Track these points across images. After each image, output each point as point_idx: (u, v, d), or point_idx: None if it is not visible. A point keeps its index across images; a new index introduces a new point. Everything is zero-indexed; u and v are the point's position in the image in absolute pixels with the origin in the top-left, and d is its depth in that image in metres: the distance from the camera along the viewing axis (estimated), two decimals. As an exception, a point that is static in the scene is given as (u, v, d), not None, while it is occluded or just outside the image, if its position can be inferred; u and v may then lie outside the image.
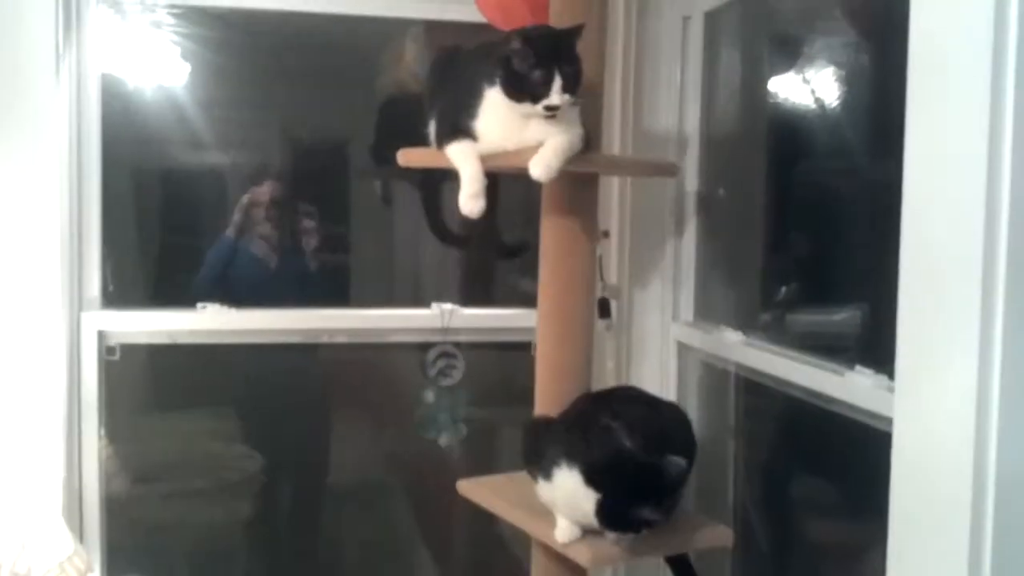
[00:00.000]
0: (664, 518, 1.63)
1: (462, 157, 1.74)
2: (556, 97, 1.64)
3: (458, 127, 1.76)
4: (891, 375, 1.43)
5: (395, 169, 1.96)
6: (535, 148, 1.68)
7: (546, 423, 1.86)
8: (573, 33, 1.70)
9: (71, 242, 2.21)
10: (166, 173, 2.67)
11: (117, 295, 2.36)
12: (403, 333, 2.49)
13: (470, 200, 1.70)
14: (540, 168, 1.67)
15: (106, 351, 2.30)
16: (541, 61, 1.64)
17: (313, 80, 2.64)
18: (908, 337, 1.36)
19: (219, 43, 2.53)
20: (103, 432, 2.31)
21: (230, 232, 2.59)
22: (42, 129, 2.11)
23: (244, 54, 2.58)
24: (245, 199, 2.60)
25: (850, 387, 1.68)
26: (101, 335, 2.28)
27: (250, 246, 2.61)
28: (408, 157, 1.91)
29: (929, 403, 1.31)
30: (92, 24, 2.25)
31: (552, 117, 1.67)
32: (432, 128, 1.87)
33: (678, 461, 1.63)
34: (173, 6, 2.38)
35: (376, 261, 2.82)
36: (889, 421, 1.40)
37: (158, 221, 2.69)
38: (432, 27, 2.51)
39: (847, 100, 1.98)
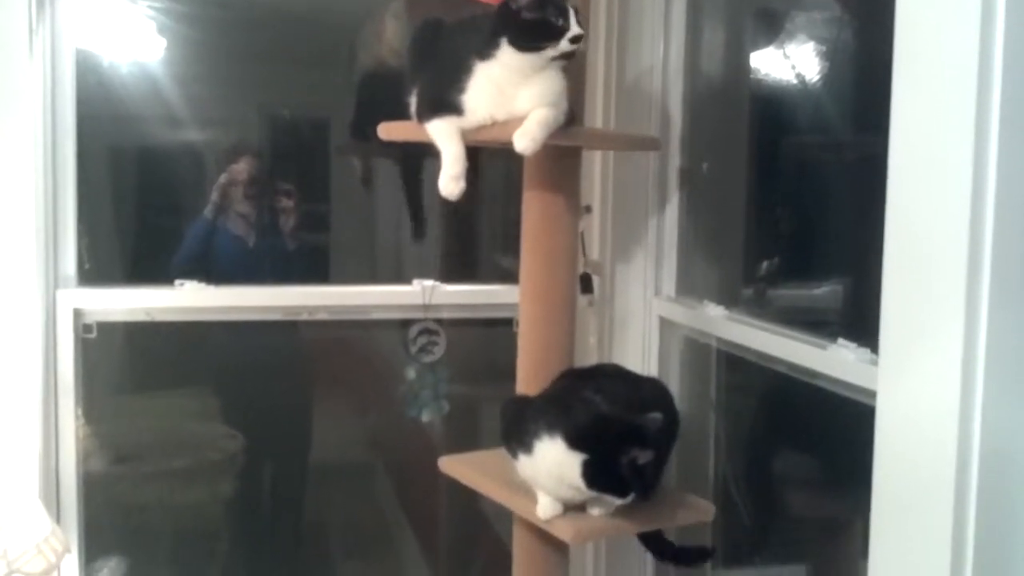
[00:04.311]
0: (652, 472, 1.62)
1: (445, 136, 1.72)
2: (576, 26, 1.64)
3: (442, 101, 1.74)
4: (875, 349, 1.43)
5: (375, 146, 1.94)
6: (522, 120, 1.67)
7: (525, 401, 1.86)
8: None
9: (46, 219, 2.17)
10: (143, 150, 2.64)
11: (93, 272, 2.33)
12: (384, 310, 2.47)
13: (451, 182, 1.70)
14: (525, 140, 1.66)
15: (83, 329, 2.27)
16: (550, 1, 1.65)
17: (291, 56, 2.61)
18: (892, 310, 1.35)
19: (195, 18, 2.50)
20: (80, 412, 2.28)
21: (208, 210, 2.56)
22: (15, 105, 2.07)
23: (221, 30, 2.56)
24: (223, 177, 2.57)
25: (833, 361, 1.67)
26: (77, 313, 2.26)
27: (228, 224, 2.59)
28: (389, 131, 1.89)
29: (913, 377, 1.30)
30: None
31: (572, 56, 1.67)
32: (413, 101, 1.85)
33: (655, 416, 1.62)
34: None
35: (357, 238, 2.80)
36: (872, 395, 1.40)
37: (135, 198, 2.66)
38: (412, 2, 2.48)
39: (831, 74, 1.97)
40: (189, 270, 2.41)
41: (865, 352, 1.58)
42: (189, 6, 2.46)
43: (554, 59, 1.67)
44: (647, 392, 1.86)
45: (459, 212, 2.50)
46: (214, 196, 2.56)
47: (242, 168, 2.58)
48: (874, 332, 1.39)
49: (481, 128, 1.73)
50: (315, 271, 2.71)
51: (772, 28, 2.17)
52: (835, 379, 1.66)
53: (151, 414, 2.67)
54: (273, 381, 2.70)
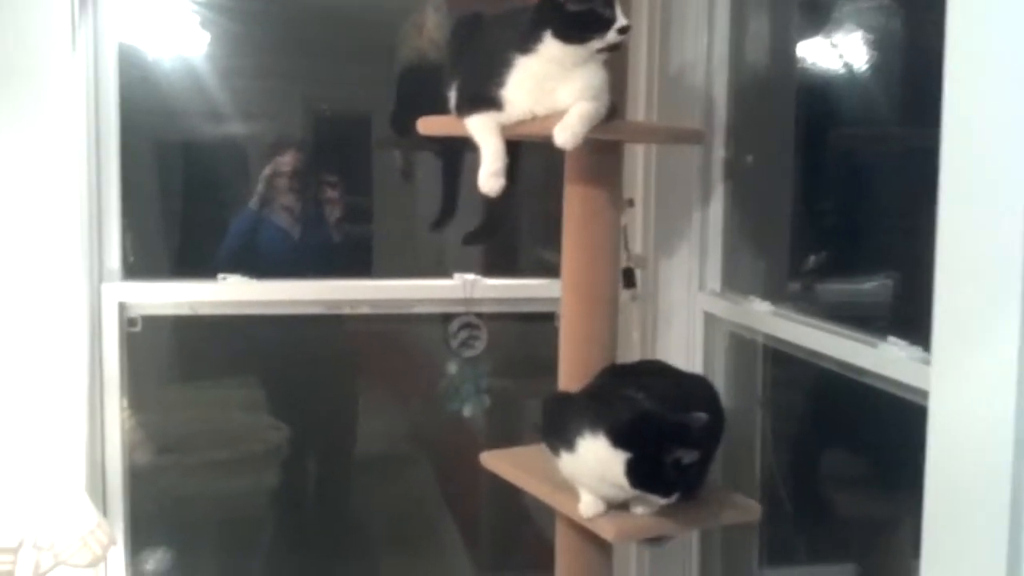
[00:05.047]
0: (696, 471, 1.60)
1: (484, 131, 1.71)
2: (622, 17, 1.62)
3: (482, 96, 1.73)
4: (927, 347, 1.39)
5: (415, 140, 1.93)
6: (563, 114, 1.66)
7: (567, 397, 1.84)
8: None
9: (90, 213, 2.19)
10: (187, 143, 2.65)
11: (138, 266, 2.35)
12: (425, 304, 2.46)
13: (491, 178, 1.68)
14: (566, 134, 1.64)
15: (127, 323, 2.29)
16: None
17: (335, 50, 2.61)
18: (945, 307, 1.31)
19: (238, 12, 2.50)
20: (126, 403, 2.30)
21: (253, 203, 2.58)
22: (59, 99, 2.09)
23: (264, 23, 2.56)
24: (268, 170, 2.58)
25: (883, 359, 1.63)
26: (122, 307, 2.27)
27: (273, 217, 2.60)
28: (428, 125, 1.88)
29: (967, 376, 1.26)
30: None
31: (618, 48, 1.66)
32: (452, 95, 1.84)
33: (700, 415, 1.60)
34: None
35: (398, 231, 2.79)
36: (925, 394, 1.36)
37: (179, 192, 2.67)
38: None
39: (879, 64, 1.94)
40: (234, 262, 2.42)
41: (917, 350, 1.54)
42: (233, 1, 2.46)
43: (600, 51, 1.65)
44: (692, 389, 1.83)
45: (502, 205, 2.47)
46: (259, 188, 2.58)
47: (287, 160, 2.58)
48: (926, 330, 1.35)
49: (521, 123, 1.72)
50: (359, 264, 2.71)
51: (819, 17, 2.13)
52: (885, 377, 1.62)
53: (195, 406, 2.70)
54: (316, 374, 2.71)
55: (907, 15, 1.85)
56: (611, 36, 1.63)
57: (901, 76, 1.87)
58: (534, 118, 1.71)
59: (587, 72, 1.67)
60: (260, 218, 2.58)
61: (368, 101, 2.73)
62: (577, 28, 1.63)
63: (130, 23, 2.32)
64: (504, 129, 1.72)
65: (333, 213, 2.63)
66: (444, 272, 2.47)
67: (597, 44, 1.64)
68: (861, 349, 1.70)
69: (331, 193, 2.63)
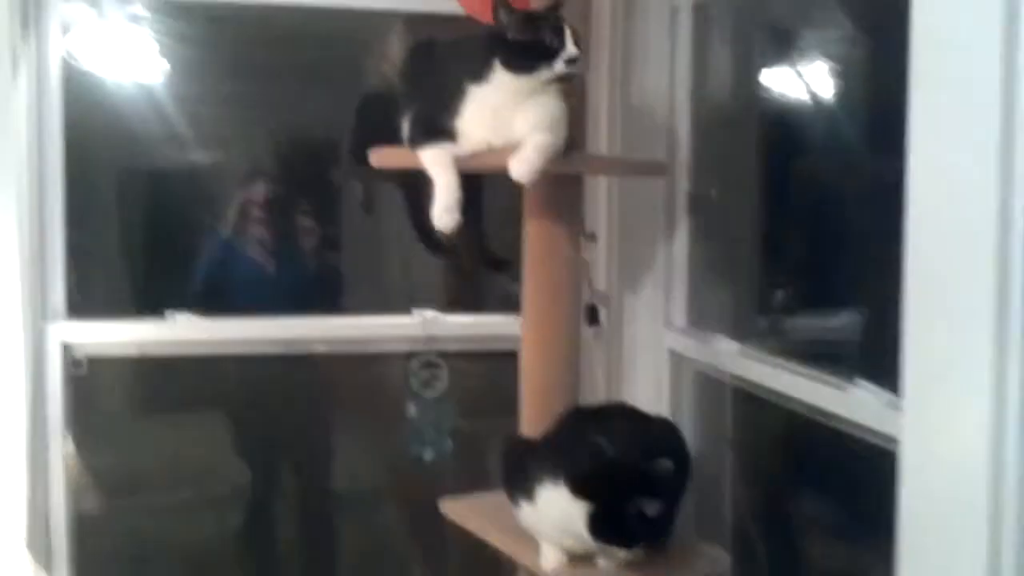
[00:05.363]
0: (662, 521, 1.53)
1: (437, 164, 1.64)
2: (572, 47, 1.57)
3: (435, 127, 1.67)
4: (896, 390, 1.33)
5: (375, 170, 1.86)
6: (519, 146, 1.61)
7: (526, 444, 1.77)
8: (557, 4, 1.65)
9: (31, 247, 2.11)
10: (141, 173, 2.54)
11: (86, 304, 2.25)
12: (383, 342, 2.39)
13: (444, 213, 1.62)
14: (522, 167, 1.59)
15: (72, 364, 2.20)
16: (547, 19, 1.59)
17: (299, 75, 2.52)
18: (914, 348, 1.26)
19: (194, 38, 2.42)
20: (72, 448, 2.21)
21: (224, 234, 2.48)
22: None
23: (220, 48, 2.47)
24: (239, 200, 2.49)
25: (852, 403, 1.56)
26: (66, 347, 2.19)
27: (246, 249, 2.50)
28: (381, 158, 1.81)
29: (939, 423, 1.21)
30: (54, 17, 2.15)
31: (569, 79, 1.60)
32: (405, 126, 1.77)
33: (665, 462, 1.54)
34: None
35: (363, 265, 2.71)
36: (895, 441, 1.30)
37: (133, 224, 2.57)
38: (417, 21, 2.41)
39: (845, 95, 1.90)
40: (204, 296, 2.36)
41: (886, 394, 1.47)
42: (191, 26, 2.38)
43: (550, 81, 1.59)
44: (657, 434, 1.77)
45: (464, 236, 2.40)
46: (230, 219, 2.48)
47: (259, 191, 2.50)
48: (896, 371, 1.30)
49: (476, 155, 1.66)
50: (332, 297, 2.61)
51: (782, 47, 2.09)
52: (854, 423, 1.56)
53: (149, 447, 2.58)
54: (273, 414, 2.60)
55: (872, 44, 1.81)
56: (559, 67, 1.57)
57: (867, 106, 1.83)
58: (489, 150, 1.65)
59: (543, 103, 1.61)
60: (231, 250, 2.49)
61: (335, 128, 2.65)
62: (524, 58, 1.58)
63: (82, 48, 2.24)
64: (459, 161, 1.66)
65: (308, 243, 2.55)
66: (408, 307, 2.39)
67: (545, 75, 1.58)
68: (829, 393, 1.64)
69: (305, 223, 2.55)
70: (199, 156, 2.50)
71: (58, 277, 2.19)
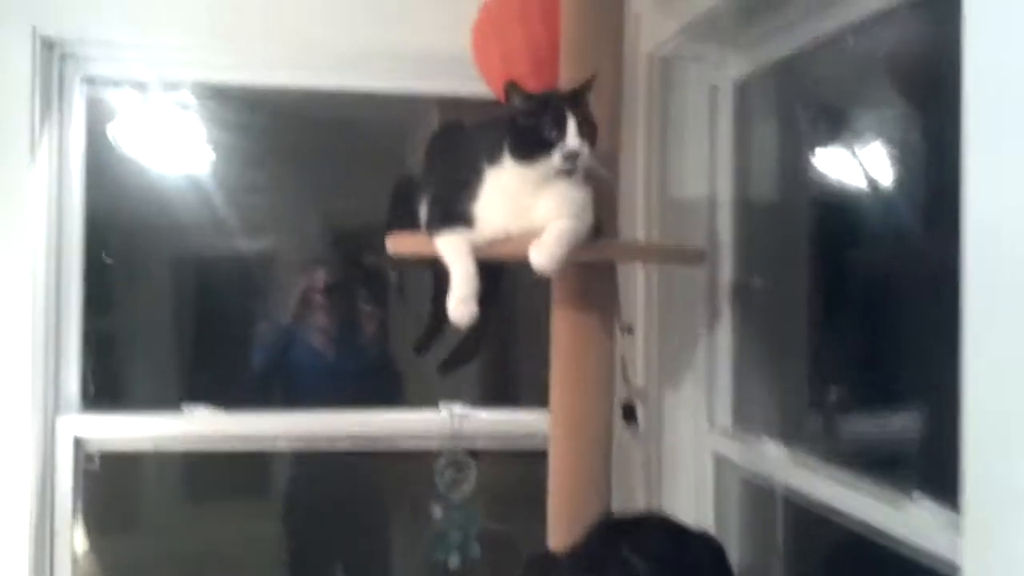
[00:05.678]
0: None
1: (454, 251, 1.53)
2: (573, 140, 1.43)
3: (452, 213, 1.56)
4: (956, 507, 1.17)
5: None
6: (540, 233, 1.48)
7: (550, 559, 1.62)
8: (583, 87, 1.51)
9: (47, 338, 2.05)
10: (169, 262, 2.49)
11: (100, 396, 2.18)
12: (408, 439, 2.26)
13: (460, 305, 1.49)
14: (542, 256, 1.47)
15: (84, 459, 2.11)
16: (550, 105, 1.46)
17: (344, 161, 2.49)
18: (975, 460, 1.09)
19: (239, 124, 2.38)
20: (87, 547, 2.12)
21: (285, 321, 2.44)
22: (15, 214, 1.98)
23: (264, 135, 2.43)
24: (300, 286, 2.45)
25: (908, 521, 1.39)
26: (78, 442, 2.10)
27: (307, 337, 2.46)
28: (397, 244, 1.71)
29: (1005, 549, 1.03)
30: (77, 98, 2.14)
31: (572, 171, 1.46)
32: (423, 211, 1.67)
33: None
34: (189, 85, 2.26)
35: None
36: (956, 568, 1.12)
37: (152, 316, 2.50)
38: (451, 105, 2.34)
39: (901, 177, 1.75)
40: (262, 385, 2.33)
41: (946, 513, 1.31)
42: (235, 113, 2.34)
43: (556, 174, 1.47)
44: (697, 553, 1.58)
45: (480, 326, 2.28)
46: (292, 306, 2.44)
47: (319, 277, 2.45)
48: (955, 486, 1.14)
49: (495, 242, 1.54)
50: (393, 388, 2.51)
51: (831, 126, 1.96)
52: (912, 545, 1.38)
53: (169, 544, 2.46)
54: (297, 514, 2.48)
55: (928, 123, 1.68)
56: (556, 161, 1.45)
57: (926, 190, 1.68)
58: (508, 237, 1.53)
59: (563, 187, 1.50)
60: (291, 338, 2.44)
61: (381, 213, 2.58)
62: (525, 146, 1.47)
63: (126, 134, 2.23)
64: (477, 249, 1.54)
65: (368, 329, 2.48)
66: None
67: (542, 170, 1.47)
68: (885, 510, 1.47)
69: (366, 309, 2.49)
70: (237, 244, 2.45)
71: (73, 368, 2.12)
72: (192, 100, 2.29)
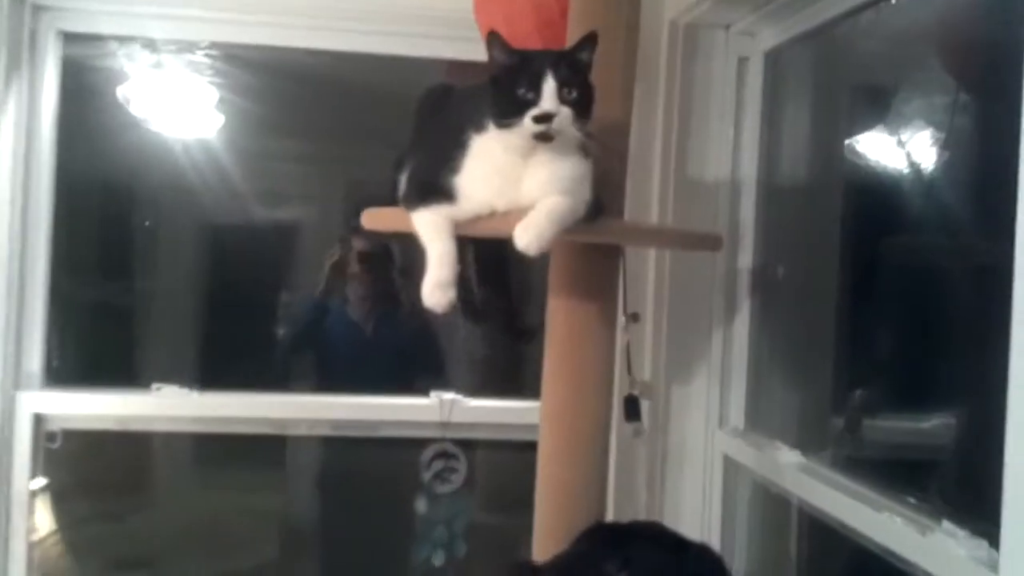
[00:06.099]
0: None
1: (431, 230, 1.37)
2: (549, 102, 1.27)
3: (432, 186, 1.40)
4: (993, 541, 1.08)
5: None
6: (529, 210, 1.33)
7: (532, 572, 1.49)
8: (576, 47, 1.34)
9: (7, 308, 1.95)
10: (145, 231, 2.36)
11: (63, 371, 2.07)
12: (393, 427, 2.14)
13: (436, 290, 1.33)
14: (528, 236, 1.30)
15: (45, 437, 2.00)
16: (530, 63, 1.30)
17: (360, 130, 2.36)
18: (1020, 485, 0.97)
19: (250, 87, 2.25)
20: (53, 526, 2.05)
21: (319, 291, 2.33)
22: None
23: (275, 102, 2.31)
24: (333, 256, 2.33)
25: (936, 552, 1.25)
26: (38, 419, 1.99)
27: (343, 309, 2.36)
28: (373, 219, 1.56)
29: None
30: (49, 61, 2.02)
31: (547, 138, 1.30)
32: (402, 182, 1.50)
33: None
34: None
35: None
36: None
37: (113, 287, 2.37)
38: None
39: (946, 165, 1.62)
40: (295, 356, 2.27)
41: (979, 545, 1.17)
42: (246, 75, 2.22)
43: (531, 139, 1.30)
44: (692, 568, 1.44)
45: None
46: (325, 276, 2.32)
47: (358, 243, 2.32)
48: (993, 514, 1.04)
49: (478, 219, 1.37)
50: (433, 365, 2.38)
51: (872, 106, 1.82)
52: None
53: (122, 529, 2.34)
54: (271, 501, 2.36)
55: (982, 107, 1.55)
56: (527, 123, 1.28)
57: (975, 179, 1.56)
58: (493, 213, 1.37)
59: (555, 160, 1.33)
60: (324, 310, 2.34)
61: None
62: (500, 106, 1.31)
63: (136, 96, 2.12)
64: (459, 226, 1.38)
65: (406, 304, 2.36)
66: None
67: (519, 136, 1.30)
68: (908, 536, 1.32)
69: (401, 280, 2.37)
70: (200, 213, 2.33)
71: (36, 341, 2.02)
72: (200, 60, 2.17)
